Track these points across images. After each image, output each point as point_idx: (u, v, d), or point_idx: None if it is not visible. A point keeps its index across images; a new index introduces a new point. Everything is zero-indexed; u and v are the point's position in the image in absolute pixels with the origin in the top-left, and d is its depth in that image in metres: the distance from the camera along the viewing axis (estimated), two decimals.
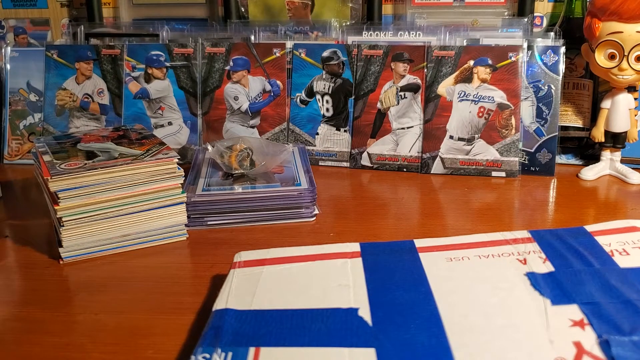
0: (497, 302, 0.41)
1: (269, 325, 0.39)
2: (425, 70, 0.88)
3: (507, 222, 0.71)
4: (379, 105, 0.90)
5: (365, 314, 0.40)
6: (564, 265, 0.44)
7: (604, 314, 0.38)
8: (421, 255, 0.48)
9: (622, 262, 0.44)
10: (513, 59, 0.85)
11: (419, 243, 0.50)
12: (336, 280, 0.44)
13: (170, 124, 0.94)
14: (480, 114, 0.86)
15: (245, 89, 0.94)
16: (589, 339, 0.36)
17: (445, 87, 0.87)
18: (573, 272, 0.43)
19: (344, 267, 0.46)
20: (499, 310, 0.40)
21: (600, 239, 0.48)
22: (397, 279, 0.44)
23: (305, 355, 0.36)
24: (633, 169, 0.83)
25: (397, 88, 0.89)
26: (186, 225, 0.68)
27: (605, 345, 0.35)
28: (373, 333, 0.38)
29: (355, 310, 0.40)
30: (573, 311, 0.39)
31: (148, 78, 0.95)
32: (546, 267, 0.44)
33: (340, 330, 0.38)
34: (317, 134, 0.92)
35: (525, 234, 0.50)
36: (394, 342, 0.37)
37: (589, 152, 0.90)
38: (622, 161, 0.84)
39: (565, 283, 0.42)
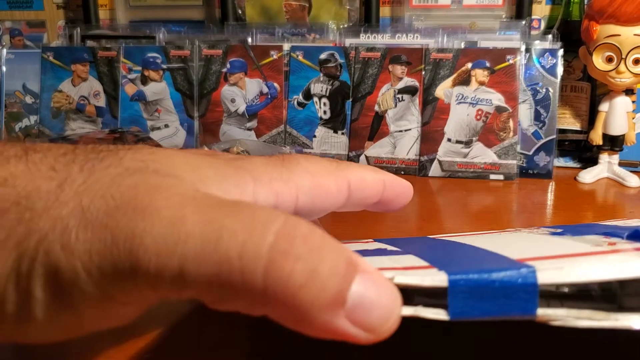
0: None
1: None
2: (423, 72, 0.88)
3: (505, 225, 0.70)
4: (376, 107, 0.89)
5: None
6: None
7: None
8: None
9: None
10: (511, 61, 0.85)
11: None
12: None
13: (166, 126, 0.94)
14: (478, 117, 0.86)
15: (242, 91, 0.93)
16: None
17: (443, 90, 0.87)
18: None
19: None
20: None
21: None
22: None
23: None
24: (631, 171, 0.83)
25: (394, 90, 0.89)
26: None
27: None
28: None
29: None
30: None
31: (144, 80, 0.95)
32: None
33: None
34: (315, 136, 0.92)
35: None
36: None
37: (586, 155, 0.90)
38: (620, 164, 0.84)
39: None
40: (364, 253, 0.39)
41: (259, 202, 0.29)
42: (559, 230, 0.43)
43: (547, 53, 0.86)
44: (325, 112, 0.91)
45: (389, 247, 0.39)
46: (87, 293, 0.23)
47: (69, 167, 0.25)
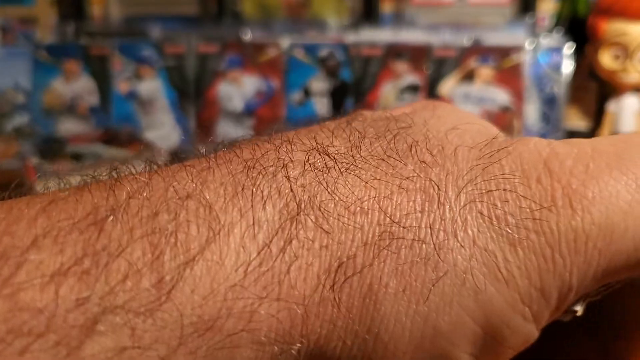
0: None
1: None
2: (426, 70, 0.87)
3: None
4: (378, 106, 0.88)
5: None
6: None
7: None
8: None
9: None
10: (517, 59, 0.84)
11: None
12: None
13: (161, 124, 0.93)
14: (483, 116, 0.84)
15: (239, 89, 0.92)
16: None
17: (447, 88, 0.86)
18: None
19: None
20: None
21: None
22: None
23: None
24: None
25: (397, 88, 0.88)
26: None
27: None
28: None
29: None
30: None
31: (139, 77, 0.94)
32: None
33: None
34: None
35: None
36: None
37: None
38: None
39: None
40: None
41: None
42: None
43: (553, 51, 0.85)
44: (325, 111, 0.90)
45: None
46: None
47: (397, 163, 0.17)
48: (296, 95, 0.91)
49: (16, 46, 1.04)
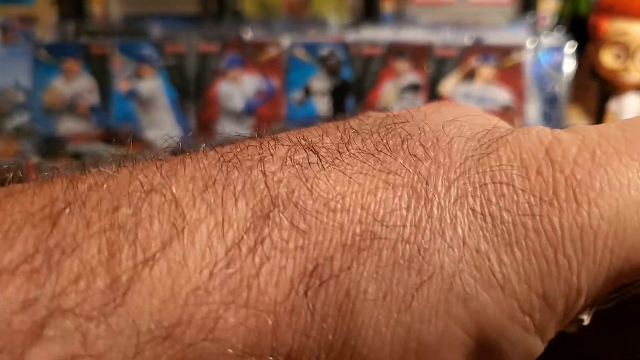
0: None
1: None
2: (427, 69, 0.86)
3: None
4: (379, 105, 0.88)
5: None
6: None
7: None
8: None
9: None
10: (518, 58, 0.84)
11: None
12: None
13: (161, 123, 0.93)
14: None
15: (239, 88, 0.92)
16: None
17: (448, 87, 0.86)
18: None
19: None
20: None
21: None
22: None
23: None
24: None
25: (397, 87, 0.87)
26: None
27: None
28: None
29: None
30: None
31: (139, 77, 0.93)
32: None
33: None
34: None
35: None
36: None
37: None
38: None
39: None
40: None
41: None
42: None
43: (554, 50, 0.84)
44: (326, 110, 0.90)
45: None
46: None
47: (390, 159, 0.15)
48: (297, 95, 0.91)
49: (16, 45, 1.03)
